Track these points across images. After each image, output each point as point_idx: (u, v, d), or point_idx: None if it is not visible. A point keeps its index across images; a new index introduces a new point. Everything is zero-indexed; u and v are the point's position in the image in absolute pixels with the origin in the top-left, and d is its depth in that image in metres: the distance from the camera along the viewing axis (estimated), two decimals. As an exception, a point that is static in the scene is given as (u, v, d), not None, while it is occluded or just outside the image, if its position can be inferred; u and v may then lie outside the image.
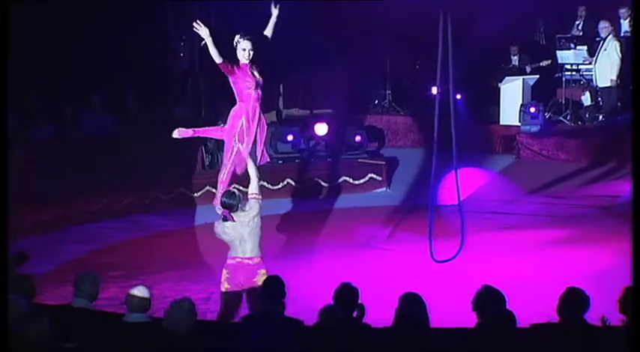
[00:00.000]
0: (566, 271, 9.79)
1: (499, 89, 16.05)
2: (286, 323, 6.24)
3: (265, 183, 13.90)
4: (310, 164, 14.85)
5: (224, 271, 7.92)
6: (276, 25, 9.04)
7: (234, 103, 8.98)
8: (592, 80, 15.44)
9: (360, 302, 6.30)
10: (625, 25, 15.70)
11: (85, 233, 12.28)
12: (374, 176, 14.62)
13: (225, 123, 9.19)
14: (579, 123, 15.53)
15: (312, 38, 15.25)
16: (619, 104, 15.12)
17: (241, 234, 7.85)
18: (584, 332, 5.82)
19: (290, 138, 14.94)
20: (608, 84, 15.05)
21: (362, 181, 14.58)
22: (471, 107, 15.89)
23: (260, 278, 7.64)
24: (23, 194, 12.14)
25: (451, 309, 7.31)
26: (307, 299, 7.75)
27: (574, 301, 5.92)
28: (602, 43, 15.08)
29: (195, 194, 13.92)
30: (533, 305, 6.92)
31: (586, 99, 15.60)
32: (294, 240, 11.66)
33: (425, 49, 16.86)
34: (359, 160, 14.97)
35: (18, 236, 11.53)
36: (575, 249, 10.96)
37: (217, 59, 8.73)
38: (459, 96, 16.14)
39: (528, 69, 16.17)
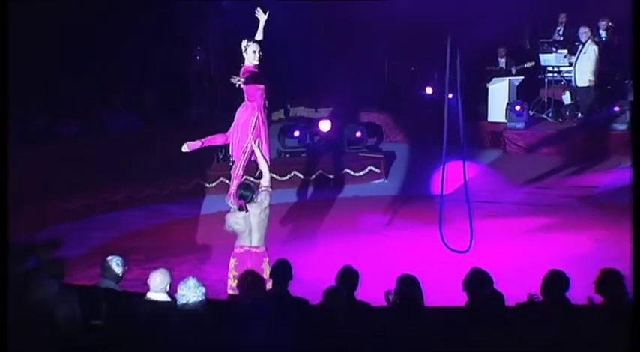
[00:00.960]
0: (549, 255, 9.79)
1: (487, 89, 16.03)
2: (293, 302, 6.25)
3: (274, 175, 13.91)
4: (315, 157, 14.85)
5: (232, 259, 8.02)
6: (264, 29, 8.94)
7: (242, 100, 8.97)
8: (572, 81, 15.42)
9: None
10: (602, 34, 15.70)
11: (111, 220, 12.33)
12: (373, 168, 14.62)
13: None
14: (560, 120, 15.50)
15: (318, 44, 15.22)
16: (596, 103, 15.13)
17: (251, 224, 7.95)
18: (565, 309, 5.83)
19: (296, 133, 15.01)
20: (587, 84, 15.02)
21: (362, 173, 14.58)
22: (462, 105, 15.87)
23: (265, 266, 7.79)
24: (55, 186, 12.21)
25: (444, 289, 7.31)
26: (312, 280, 7.76)
27: (556, 282, 5.95)
28: (581, 46, 15.04)
29: (210, 185, 13.93)
30: (518, 286, 6.91)
31: (566, 98, 15.58)
32: (301, 226, 11.69)
33: (419, 54, 16.91)
34: (359, 154, 14.98)
35: (51, 223, 11.62)
36: (557, 234, 10.96)
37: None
38: (450, 96, 16.17)
39: (514, 70, 16.14)
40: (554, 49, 15.62)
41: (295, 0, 14.03)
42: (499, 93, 15.82)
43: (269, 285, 7.20)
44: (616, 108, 14.73)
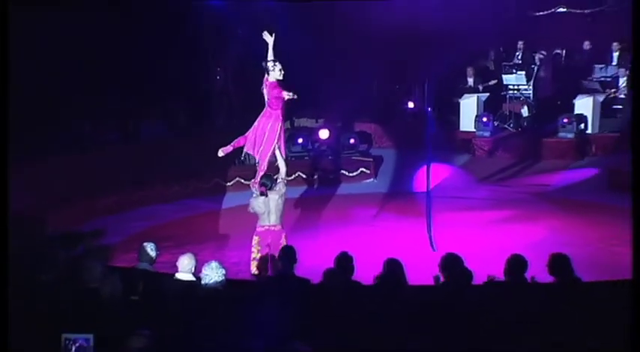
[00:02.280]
0: (510, 241, 9.78)
1: (459, 103, 16.01)
2: (297, 281, 6.25)
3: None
4: (316, 161, 14.84)
5: (255, 237, 8.23)
6: (274, 49, 9.00)
7: (257, 114, 9.02)
8: (530, 97, 15.42)
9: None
10: (553, 55, 15.73)
11: (145, 213, 12.27)
12: (364, 170, 14.58)
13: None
14: (519, 129, 15.47)
15: (318, 66, 15.19)
16: (549, 115, 15.14)
17: (270, 207, 8.20)
18: (523, 287, 5.84)
19: (300, 140, 14.99)
20: (544, 97, 15.04)
21: (355, 174, 14.54)
22: (438, 117, 15.89)
23: (282, 241, 8.09)
24: (99, 185, 12.21)
25: (424, 270, 7.30)
26: (314, 263, 7.74)
27: (516, 264, 5.95)
28: (537, 68, 15.05)
29: (228, 183, 13.91)
30: (485, 267, 6.91)
31: (524, 111, 15.54)
32: (304, 218, 11.66)
33: (402, 74, 16.92)
34: (352, 158, 14.94)
35: (96, 216, 11.61)
36: (516, 224, 10.96)
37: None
38: (429, 109, 16.15)
39: (481, 88, 16.11)
40: (514, 71, 15.59)
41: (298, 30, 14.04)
42: (469, 107, 15.80)
43: None
44: (565, 120, 14.72)
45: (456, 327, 5.11)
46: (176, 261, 6.40)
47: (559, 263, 5.99)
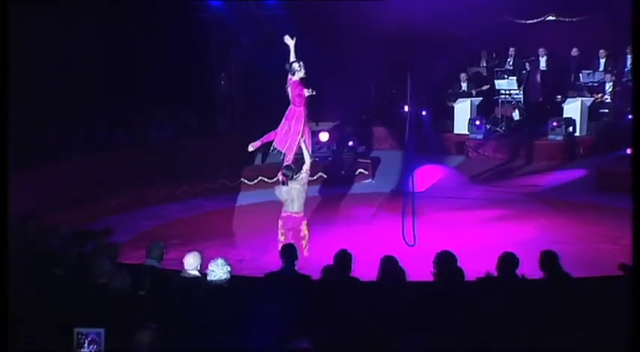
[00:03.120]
0: (502, 239, 9.78)
1: (453, 107, 16.01)
2: (298, 278, 6.24)
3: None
4: (316, 162, 14.81)
5: (279, 221, 8.67)
6: (296, 52, 9.08)
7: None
8: (520, 101, 15.42)
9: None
10: (542, 62, 15.69)
11: (153, 212, 12.25)
12: (362, 171, 14.57)
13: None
14: (511, 132, 15.48)
15: (319, 73, 15.14)
16: (539, 119, 15.14)
17: (292, 195, 8.54)
18: (515, 283, 5.83)
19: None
20: (534, 101, 15.05)
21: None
22: (434, 120, 15.92)
23: (303, 227, 8.59)
24: (110, 185, 12.20)
25: (419, 267, 7.29)
26: (314, 260, 7.74)
27: (508, 261, 5.95)
28: (527, 74, 15.06)
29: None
30: (478, 264, 6.90)
31: (516, 115, 15.56)
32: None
33: (398, 79, 16.89)
34: (351, 159, 14.95)
35: (106, 215, 11.60)
36: (508, 223, 10.96)
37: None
38: (424, 113, 16.16)
39: (474, 92, 16.11)
40: (506, 76, 15.61)
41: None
42: (462, 111, 15.81)
43: (304, 243, 8.50)
44: (554, 123, 14.72)
45: (451, 322, 5.11)
46: (182, 258, 6.39)
47: (548, 259, 5.99)
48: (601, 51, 15.24)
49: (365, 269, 6.27)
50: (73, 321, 4.78)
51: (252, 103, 16.41)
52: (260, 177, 13.70)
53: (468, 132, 15.45)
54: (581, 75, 15.38)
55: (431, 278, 5.91)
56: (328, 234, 10.43)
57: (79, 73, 12.73)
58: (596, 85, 15.05)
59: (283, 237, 8.58)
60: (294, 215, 8.60)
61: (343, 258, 6.20)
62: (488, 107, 15.90)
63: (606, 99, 14.78)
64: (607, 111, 14.73)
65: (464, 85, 16.23)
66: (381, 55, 15.29)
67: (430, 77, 15.13)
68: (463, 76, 16.20)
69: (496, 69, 16.01)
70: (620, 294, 5.21)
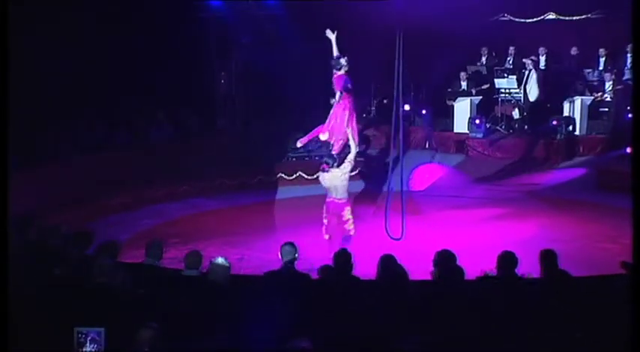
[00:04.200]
0: (502, 238, 9.79)
1: (453, 106, 16.01)
2: (298, 276, 6.25)
3: (283, 175, 13.95)
4: (315, 161, 14.80)
5: (324, 207, 9.11)
6: (337, 44, 9.43)
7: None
8: (520, 100, 15.42)
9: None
10: (542, 60, 15.68)
11: (153, 211, 12.27)
12: (362, 169, 14.57)
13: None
14: (511, 131, 15.46)
15: (321, 74, 15.13)
16: (539, 117, 15.14)
17: (334, 183, 8.91)
18: (515, 282, 5.84)
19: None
20: (531, 102, 15.04)
21: (353, 173, 14.47)
22: (434, 119, 15.92)
23: (345, 212, 9.00)
24: (111, 185, 12.21)
25: (418, 266, 7.30)
26: (314, 259, 7.73)
27: (508, 260, 5.95)
28: (527, 73, 15.06)
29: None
30: (478, 263, 6.91)
31: (515, 113, 15.54)
32: (305, 215, 11.60)
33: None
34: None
35: (107, 214, 11.61)
36: (508, 222, 10.96)
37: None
38: (424, 112, 16.16)
39: (474, 91, 16.10)
40: (505, 75, 15.61)
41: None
42: (462, 110, 15.80)
43: (348, 226, 8.95)
44: (554, 122, 14.71)
45: (450, 321, 5.11)
46: (182, 257, 6.39)
47: (548, 258, 5.99)
48: (601, 50, 15.24)
49: (365, 268, 6.27)
50: (73, 320, 4.79)
51: (252, 103, 16.43)
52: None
53: (467, 131, 15.44)
54: (581, 74, 15.37)
55: (429, 277, 5.91)
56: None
57: (79, 73, 12.75)
58: (595, 83, 15.06)
59: (326, 221, 9.10)
60: (337, 200, 9.00)
61: (343, 257, 6.20)
62: (488, 106, 15.89)
63: (606, 97, 14.79)
64: (607, 110, 14.73)
65: (464, 84, 16.23)
66: (381, 55, 15.29)
67: (430, 76, 15.14)
68: (463, 74, 16.20)
69: (496, 68, 16.01)
70: (620, 293, 5.21)
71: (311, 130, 15.75)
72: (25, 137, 10.96)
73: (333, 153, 9.21)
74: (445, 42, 14.40)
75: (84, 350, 4.66)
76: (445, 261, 5.98)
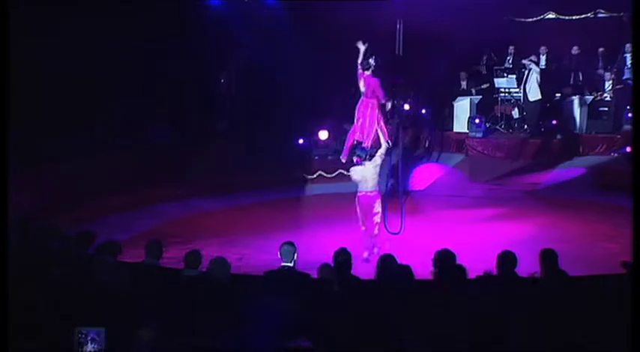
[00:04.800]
0: (502, 238, 9.79)
1: (453, 105, 16.02)
2: (297, 275, 6.24)
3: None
4: (316, 161, 14.83)
5: (356, 199, 9.41)
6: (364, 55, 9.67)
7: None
8: (520, 99, 15.41)
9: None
10: (542, 60, 15.68)
11: (154, 211, 12.24)
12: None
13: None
14: (510, 131, 15.48)
15: (321, 76, 15.16)
16: (539, 117, 15.15)
17: (365, 176, 9.25)
18: (514, 281, 5.84)
19: (301, 141, 15.06)
20: (532, 102, 15.04)
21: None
22: (434, 118, 15.93)
23: (376, 204, 9.32)
24: (113, 185, 12.22)
25: (418, 265, 7.30)
26: (314, 258, 7.71)
27: (507, 260, 5.95)
28: (527, 72, 15.06)
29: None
30: (478, 262, 6.91)
31: (515, 113, 15.56)
32: (304, 215, 11.64)
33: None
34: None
35: (107, 214, 11.60)
36: (508, 222, 10.97)
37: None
38: (424, 111, 16.16)
39: (474, 91, 16.12)
40: (505, 74, 15.62)
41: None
42: (462, 109, 15.82)
43: (377, 218, 9.30)
44: (554, 122, 14.71)
45: (451, 320, 5.11)
46: (182, 257, 6.39)
47: (547, 258, 5.99)
48: (600, 49, 15.25)
49: (365, 268, 6.27)
50: (73, 320, 4.79)
51: (252, 104, 16.42)
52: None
53: (467, 131, 15.45)
54: (581, 73, 15.38)
55: (429, 277, 5.91)
56: (327, 231, 10.44)
57: (79, 74, 12.74)
58: (595, 83, 15.06)
59: (361, 213, 9.40)
60: (368, 193, 9.31)
61: (343, 257, 6.20)
62: (487, 105, 15.91)
63: (606, 97, 14.79)
64: (606, 109, 14.73)
65: (463, 84, 16.24)
66: (381, 54, 15.29)
67: (430, 75, 15.12)
68: (463, 74, 16.21)
69: (495, 67, 16.02)
70: (620, 293, 5.21)
71: (310, 130, 15.83)
72: (25, 137, 10.95)
73: (364, 147, 9.50)
74: (445, 41, 14.40)
75: (84, 349, 4.66)
76: (445, 260, 5.98)
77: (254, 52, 15.58)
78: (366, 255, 9.16)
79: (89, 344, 4.66)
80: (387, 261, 6.02)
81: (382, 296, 5.47)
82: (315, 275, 6.13)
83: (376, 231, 9.37)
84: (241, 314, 5.12)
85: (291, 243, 6.51)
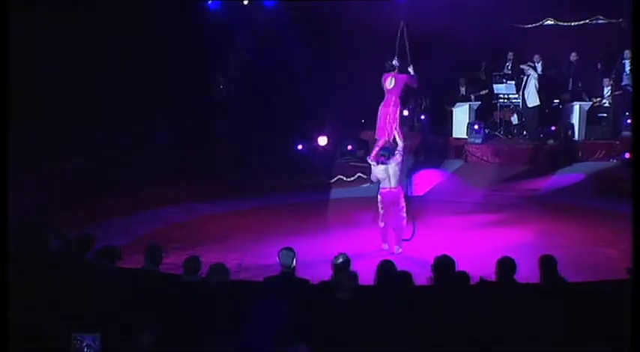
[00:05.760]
0: (500, 243, 9.77)
1: (452, 111, 16.03)
2: (297, 281, 6.22)
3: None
4: (315, 166, 14.83)
5: (379, 196, 9.81)
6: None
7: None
8: (519, 105, 15.41)
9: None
10: (539, 67, 15.68)
11: (153, 216, 12.20)
12: (361, 175, 14.56)
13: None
14: (509, 136, 15.50)
15: (322, 83, 15.17)
16: (537, 123, 15.15)
17: (389, 173, 9.62)
18: (513, 287, 5.82)
19: (299, 147, 15.05)
20: (530, 108, 15.05)
21: (352, 178, 14.54)
22: (432, 124, 15.92)
23: (402, 199, 9.76)
24: (111, 188, 12.18)
25: (418, 271, 7.27)
26: (313, 264, 7.70)
27: (506, 266, 5.92)
28: (526, 78, 15.06)
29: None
30: (476, 269, 6.89)
31: (514, 119, 15.58)
32: (303, 221, 11.61)
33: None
34: (350, 163, 14.94)
35: (107, 217, 11.57)
36: (507, 227, 10.94)
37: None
38: (423, 117, 16.16)
39: (472, 97, 16.13)
40: (504, 80, 15.62)
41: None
42: (461, 115, 15.83)
43: (404, 213, 9.70)
44: (552, 128, 14.71)
45: (450, 326, 5.09)
46: (182, 262, 6.36)
47: (546, 264, 5.97)
48: (599, 55, 15.26)
49: (365, 273, 6.25)
50: (71, 325, 4.76)
51: (250, 106, 16.43)
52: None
53: (466, 136, 15.45)
54: (579, 79, 15.38)
55: (426, 283, 5.89)
56: (327, 236, 10.42)
57: (78, 74, 12.75)
58: (594, 89, 15.06)
59: (382, 210, 9.75)
60: (393, 190, 9.66)
61: (342, 262, 6.17)
62: (486, 111, 15.92)
63: (604, 103, 14.80)
64: (605, 115, 14.74)
65: (462, 89, 16.25)
66: (380, 59, 15.31)
67: (429, 81, 15.10)
68: (462, 80, 16.22)
69: (494, 73, 16.02)
70: (619, 299, 5.19)
71: (308, 133, 15.84)
72: (25, 137, 10.94)
73: (386, 146, 9.86)
74: (444, 47, 14.41)
75: (80, 354, 4.63)
76: (444, 266, 5.95)
77: (253, 55, 15.60)
78: (397, 249, 9.60)
79: (85, 350, 4.64)
80: (386, 267, 5.99)
81: (382, 302, 5.45)
82: (314, 280, 6.09)
83: (405, 223, 9.73)
84: (240, 320, 5.10)
85: (290, 248, 6.48)
